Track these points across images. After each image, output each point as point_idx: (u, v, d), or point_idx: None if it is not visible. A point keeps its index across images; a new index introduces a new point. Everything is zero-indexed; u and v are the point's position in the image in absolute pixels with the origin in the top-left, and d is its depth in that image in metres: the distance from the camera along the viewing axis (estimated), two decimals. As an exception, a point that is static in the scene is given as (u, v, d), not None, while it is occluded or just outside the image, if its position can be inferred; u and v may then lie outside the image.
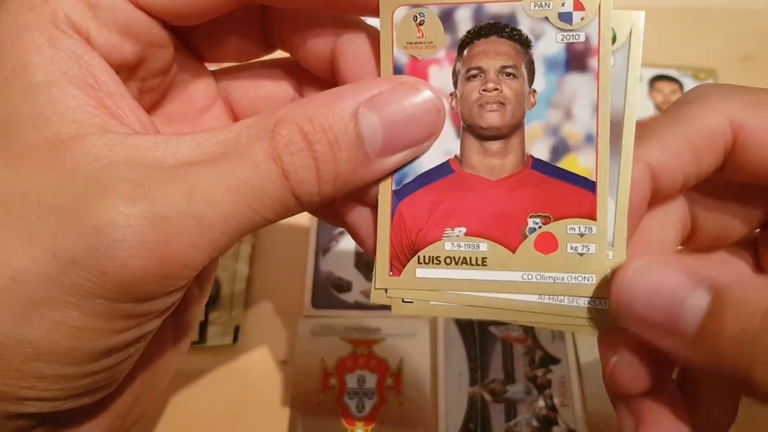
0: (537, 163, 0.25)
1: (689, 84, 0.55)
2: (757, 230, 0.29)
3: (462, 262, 0.25)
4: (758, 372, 0.20)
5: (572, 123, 0.24)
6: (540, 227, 0.25)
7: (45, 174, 0.21)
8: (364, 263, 0.48)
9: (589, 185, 0.24)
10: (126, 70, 0.25)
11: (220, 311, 0.46)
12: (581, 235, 0.24)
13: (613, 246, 0.25)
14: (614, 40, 0.24)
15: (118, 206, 0.20)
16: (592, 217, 0.24)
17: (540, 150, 0.25)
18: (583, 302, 0.25)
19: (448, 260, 0.25)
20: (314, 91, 0.28)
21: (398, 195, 0.25)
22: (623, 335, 0.24)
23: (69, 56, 0.23)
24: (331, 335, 0.45)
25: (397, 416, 0.42)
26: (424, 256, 0.25)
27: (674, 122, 0.25)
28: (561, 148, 0.25)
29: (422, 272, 0.26)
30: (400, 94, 0.24)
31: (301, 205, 0.23)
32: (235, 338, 0.45)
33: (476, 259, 0.25)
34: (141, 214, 0.20)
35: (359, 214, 0.26)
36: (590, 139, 0.24)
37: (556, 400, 0.42)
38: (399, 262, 0.26)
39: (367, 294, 0.47)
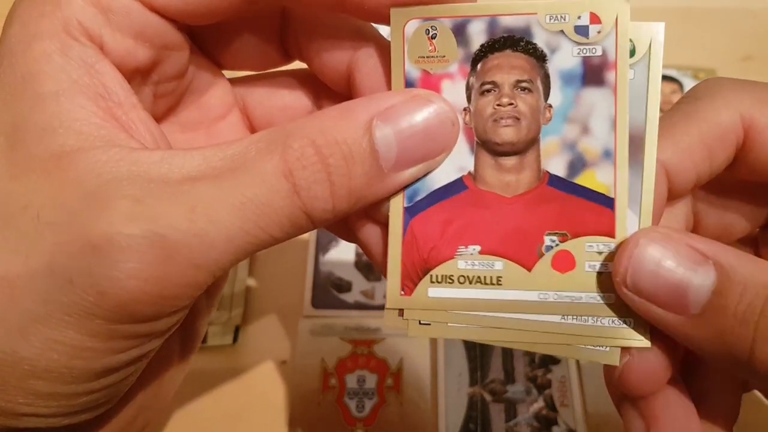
0: (553, 180, 0.24)
1: (689, 84, 0.55)
2: (757, 230, 0.29)
3: (476, 281, 0.25)
4: (761, 349, 0.20)
5: (589, 138, 0.24)
6: (557, 245, 0.24)
7: (46, 187, 0.21)
8: (364, 263, 0.48)
9: (608, 202, 0.24)
10: (140, 75, 0.25)
11: (220, 311, 0.46)
12: (599, 252, 0.24)
13: None
14: (633, 52, 0.24)
15: (116, 224, 0.20)
16: (611, 234, 0.24)
17: (556, 166, 0.24)
18: (607, 322, 0.24)
19: (461, 279, 0.25)
20: (332, 104, 0.28)
21: (410, 212, 0.25)
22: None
23: (80, 65, 0.22)
24: (331, 335, 0.45)
25: (397, 416, 0.42)
26: (437, 275, 0.25)
27: (685, 119, 0.24)
28: (578, 164, 0.24)
29: (434, 291, 0.25)
30: (413, 107, 0.23)
31: (312, 223, 0.22)
32: (235, 338, 0.45)
33: (491, 278, 0.25)
34: (140, 233, 0.20)
35: (372, 231, 0.26)
36: (608, 155, 0.24)
37: (556, 400, 0.42)
38: (411, 281, 0.25)
39: (367, 294, 0.47)
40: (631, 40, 0.23)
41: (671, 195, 0.25)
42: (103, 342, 0.21)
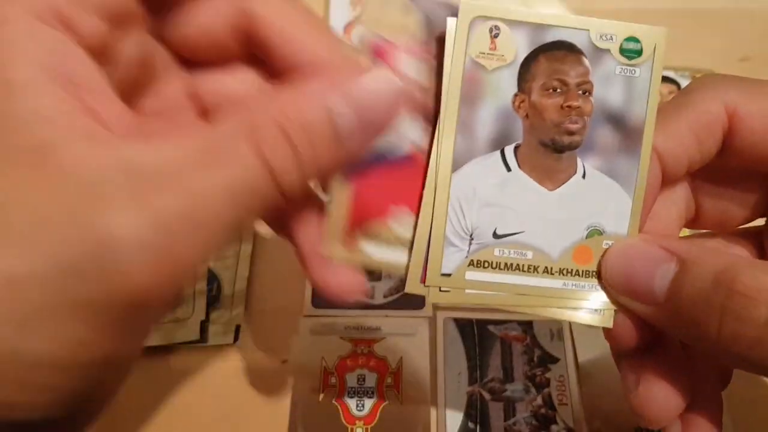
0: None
1: (687, 85, 0.56)
2: (763, 220, 0.30)
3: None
4: (710, 327, 0.22)
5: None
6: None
7: (35, 182, 0.21)
8: (364, 263, 0.48)
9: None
10: (105, 55, 0.25)
11: (221, 311, 0.46)
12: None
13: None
14: (641, 53, 0.26)
15: (119, 216, 0.20)
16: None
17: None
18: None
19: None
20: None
21: (356, 173, 0.27)
22: None
23: (49, 51, 0.22)
24: (331, 334, 0.45)
25: (397, 415, 0.42)
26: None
27: (676, 110, 0.27)
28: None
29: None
30: (365, 81, 0.24)
31: (284, 196, 0.24)
32: (236, 338, 0.45)
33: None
34: (143, 222, 0.20)
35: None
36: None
37: (555, 399, 0.43)
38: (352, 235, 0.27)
39: (367, 294, 0.47)
40: (639, 41, 0.26)
41: (665, 178, 0.27)
42: (106, 333, 0.21)
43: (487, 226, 0.26)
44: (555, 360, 0.44)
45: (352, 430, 0.42)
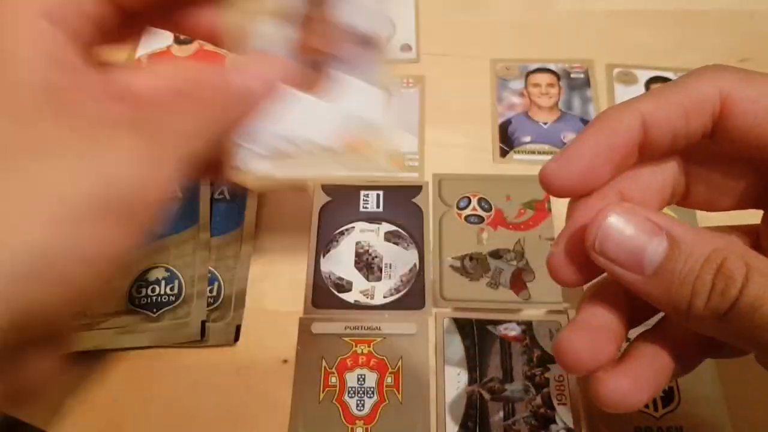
0: None
1: (686, 85, 0.56)
2: (757, 214, 0.30)
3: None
4: (694, 305, 0.25)
5: None
6: None
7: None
8: (364, 263, 0.48)
9: None
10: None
11: (221, 311, 0.46)
12: None
13: None
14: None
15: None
16: None
17: None
18: None
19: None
20: None
21: None
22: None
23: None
24: (331, 334, 0.45)
25: (397, 414, 0.42)
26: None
27: (671, 87, 0.28)
28: None
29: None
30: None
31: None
32: (236, 338, 0.46)
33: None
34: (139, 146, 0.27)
35: None
36: None
37: (554, 399, 0.43)
38: None
39: (367, 294, 0.47)
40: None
41: (650, 146, 0.28)
42: (126, 230, 0.27)
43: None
44: (554, 360, 0.44)
45: (352, 429, 0.42)
